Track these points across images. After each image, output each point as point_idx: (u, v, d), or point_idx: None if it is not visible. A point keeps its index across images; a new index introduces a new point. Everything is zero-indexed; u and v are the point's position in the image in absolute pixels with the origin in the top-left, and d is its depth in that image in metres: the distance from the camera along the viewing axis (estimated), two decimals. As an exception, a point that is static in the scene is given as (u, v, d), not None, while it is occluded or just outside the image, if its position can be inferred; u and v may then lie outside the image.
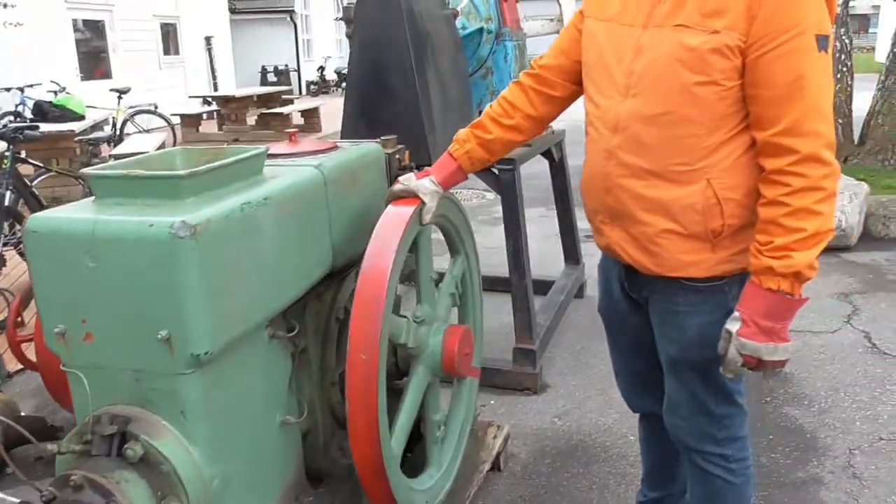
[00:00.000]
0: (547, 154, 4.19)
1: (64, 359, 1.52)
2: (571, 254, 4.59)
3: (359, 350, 1.67)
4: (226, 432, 1.55)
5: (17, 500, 1.39)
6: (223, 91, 14.37)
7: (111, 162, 1.79)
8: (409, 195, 1.89)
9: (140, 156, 1.78)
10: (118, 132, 9.71)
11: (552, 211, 4.71)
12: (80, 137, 5.82)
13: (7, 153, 4.39)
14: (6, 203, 4.27)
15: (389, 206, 1.88)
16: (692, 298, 1.69)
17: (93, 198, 1.55)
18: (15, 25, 8.34)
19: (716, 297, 1.65)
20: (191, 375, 1.45)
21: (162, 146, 8.65)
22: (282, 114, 11.56)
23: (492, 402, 3.33)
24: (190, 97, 13.01)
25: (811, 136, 1.47)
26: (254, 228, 1.54)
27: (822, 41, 1.47)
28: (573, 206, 4.51)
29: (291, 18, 20.53)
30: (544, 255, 5.08)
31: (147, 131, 10.08)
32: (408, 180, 1.91)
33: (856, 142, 7.40)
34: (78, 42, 12.01)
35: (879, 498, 2.57)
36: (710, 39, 1.50)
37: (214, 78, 15.95)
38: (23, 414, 2.87)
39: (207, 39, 15.65)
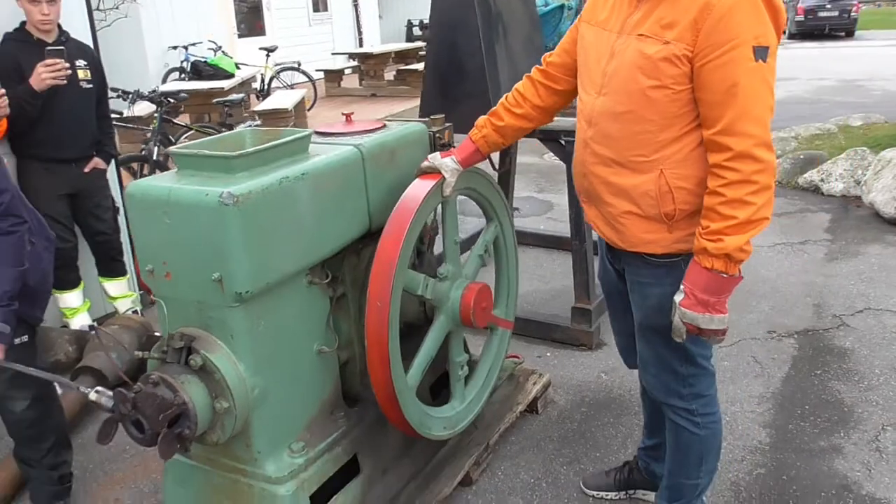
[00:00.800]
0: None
1: (153, 290, 2.03)
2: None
3: (375, 298, 2.07)
4: (266, 353, 2.01)
5: (111, 392, 1.90)
6: (367, 47, 15.06)
7: (202, 140, 2.27)
8: (433, 171, 2.25)
9: (219, 135, 2.24)
10: (266, 87, 10.59)
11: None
12: (217, 100, 6.54)
13: (156, 114, 5.13)
14: (154, 157, 5.02)
15: (415, 180, 2.24)
16: (653, 271, 1.95)
17: (175, 169, 2.03)
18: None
19: (673, 271, 1.90)
20: (237, 308, 1.91)
21: (302, 100, 9.40)
22: (417, 70, 12.04)
23: (548, 353, 3.66)
24: (332, 53, 13.77)
25: (744, 136, 1.69)
26: (291, 198, 1.96)
27: (759, 52, 1.67)
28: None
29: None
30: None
31: (291, 86, 10.89)
32: (434, 158, 2.27)
33: None
34: (236, 2, 13.01)
35: (895, 470, 2.68)
36: (662, 49, 1.74)
37: (360, 34, 16.67)
38: (156, 333, 3.53)
39: (354, -4, 16.34)
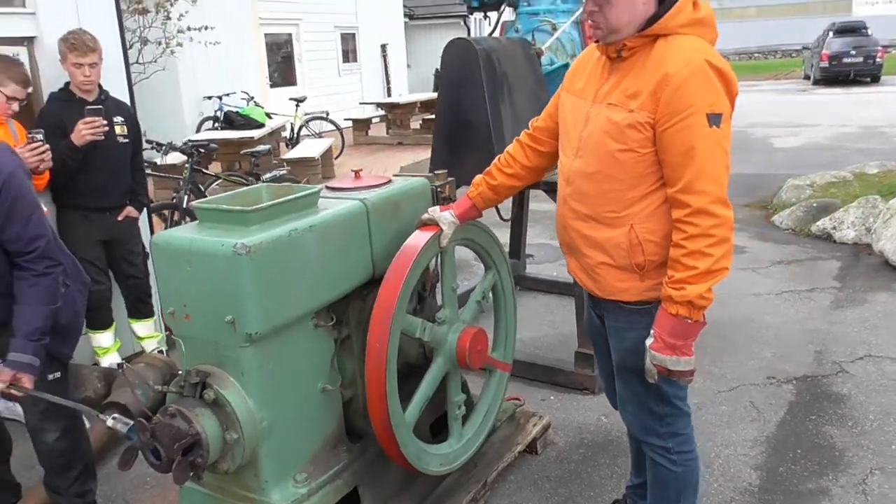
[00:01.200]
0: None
1: (174, 330, 2.25)
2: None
3: (375, 340, 2.27)
4: (274, 390, 2.21)
5: (132, 422, 2.10)
6: (395, 96, 15.51)
7: (220, 195, 2.50)
8: (432, 223, 2.45)
9: (237, 190, 2.48)
10: (295, 136, 10.99)
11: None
12: (245, 150, 6.87)
13: (187, 164, 5.45)
14: (184, 205, 5.31)
15: (415, 232, 2.45)
16: (628, 317, 2.12)
17: (197, 221, 2.26)
18: (214, 44, 9.77)
19: (645, 317, 2.06)
20: (248, 347, 2.11)
21: (329, 149, 9.75)
22: (441, 119, 12.37)
23: (551, 397, 3.80)
24: (360, 103, 14.23)
25: (701, 193, 1.87)
26: (299, 248, 2.18)
27: (713, 119, 1.86)
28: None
29: (465, 23, 21.46)
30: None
31: (319, 135, 11.28)
32: (433, 212, 2.47)
33: None
34: (268, 54, 13.56)
35: (879, 513, 2.77)
36: (628, 116, 1.94)
37: (388, 83, 17.18)
38: (179, 372, 3.75)
39: (383, 47, 16.90)
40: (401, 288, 2.29)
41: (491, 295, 2.89)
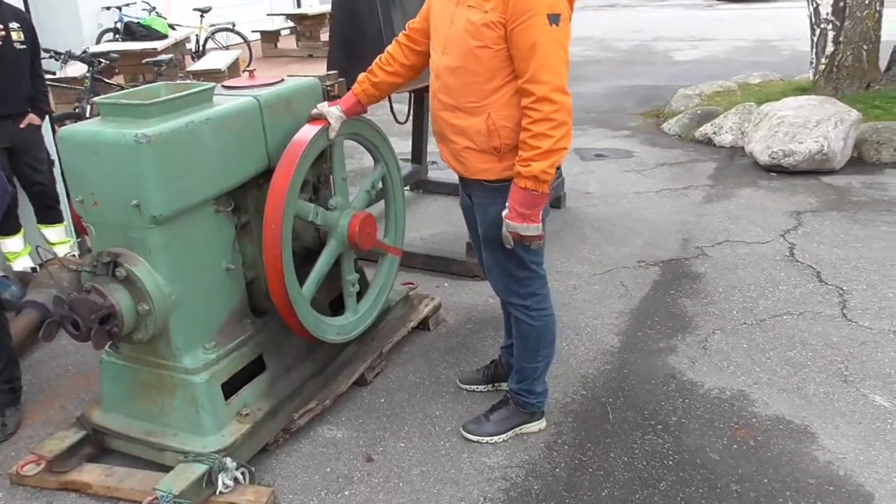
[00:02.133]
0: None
1: (83, 217, 2.47)
2: (551, 168, 5.27)
3: (269, 222, 2.54)
4: (180, 267, 2.47)
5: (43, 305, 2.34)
6: (305, 7, 15.18)
7: (123, 91, 2.68)
8: (321, 118, 2.71)
9: (138, 88, 2.66)
10: (201, 49, 10.77)
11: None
12: (147, 60, 6.82)
13: (88, 74, 5.43)
14: (87, 115, 5.33)
15: (305, 125, 2.70)
16: (489, 194, 2.46)
17: (100, 116, 2.45)
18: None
19: (504, 193, 2.40)
20: (154, 229, 2.36)
21: (236, 61, 9.65)
22: (351, 31, 12.29)
23: (445, 284, 4.19)
24: (268, 14, 13.91)
25: (542, 83, 2.19)
26: (196, 138, 2.40)
27: (552, 18, 2.17)
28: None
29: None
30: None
31: (226, 48, 11.08)
32: (322, 107, 2.72)
33: (882, 68, 7.55)
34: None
35: (713, 363, 3.29)
36: (483, 17, 2.23)
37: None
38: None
39: (292, -44, 16.36)
40: (292, 175, 2.56)
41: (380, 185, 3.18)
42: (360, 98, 2.73)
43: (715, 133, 6.98)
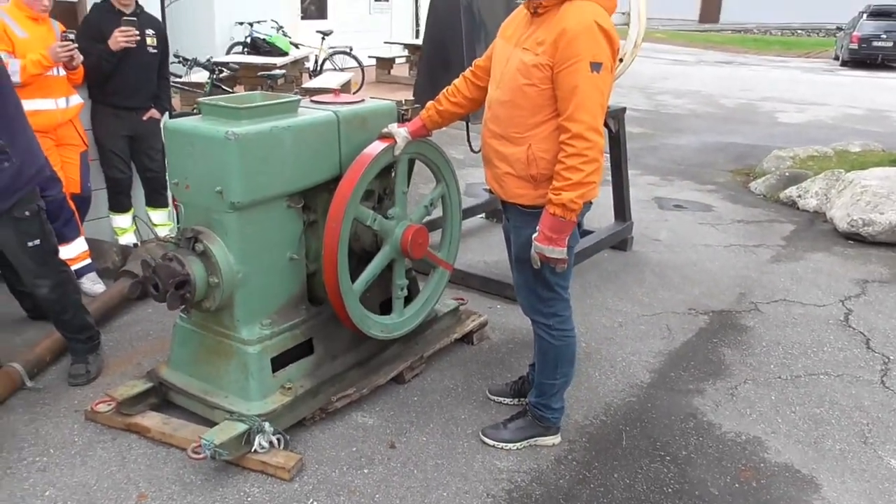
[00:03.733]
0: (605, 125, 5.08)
1: (177, 198, 2.89)
2: (619, 212, 5.46)
3: (331, 220, 2.89)
4: (250, 250, 2.84)
5: (139, 276, 2.77)
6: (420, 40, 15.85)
7: (224, 96, 3.10)
8: (389, 136, 3.05)
9: (238, 94, 3.08)
10: (319, 68, 11.50)
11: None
12: (261, 73, 7.44)
13: (208, 80, 6.04)
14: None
15: (375, 141, 3.05)
16: (524, 218, 2.72)
17: (201, 115, 2.88)
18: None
19: (536, 219, 2.65)
20: (231, 213, 2.75)
21: (348, 83, 10.27)
22: (460, 64, 12.80)
23: (498, 306, 4.43)
24: (385, 42, 14.64)
25: (579, 122, 2.45)
26: (277, 141, 2.79)
27: (594, 66, 2.43)
28: (625, 174, 5.38)
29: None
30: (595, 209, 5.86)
31: (342, 69, 11.78)
32: (391, 127, 3.07)
33: None
34: (303, -15, 13.96)
35: (737, 409, 3.40)
36: (534, 59, 2.52)
37: (418, 25, 17.49)
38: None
39: (415, -11, 17.16)
40: (356, 182, 2.90)
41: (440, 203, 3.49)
42: (426, 123, 3.06)
43: (800, 196, 6.95)
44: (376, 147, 3.01)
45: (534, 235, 2.60)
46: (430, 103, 3.07)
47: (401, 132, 3.03)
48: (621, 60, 4.72)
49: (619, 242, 5.44)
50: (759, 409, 3.39)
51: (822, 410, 3.39)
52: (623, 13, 5.09)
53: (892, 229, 5.68)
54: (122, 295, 4.00)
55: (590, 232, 5.19)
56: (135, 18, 4.24)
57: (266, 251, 2.92)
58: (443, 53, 4.19)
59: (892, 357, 3.92)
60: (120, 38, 4.13)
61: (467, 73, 3.00)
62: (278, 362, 2.98)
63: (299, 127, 2.87)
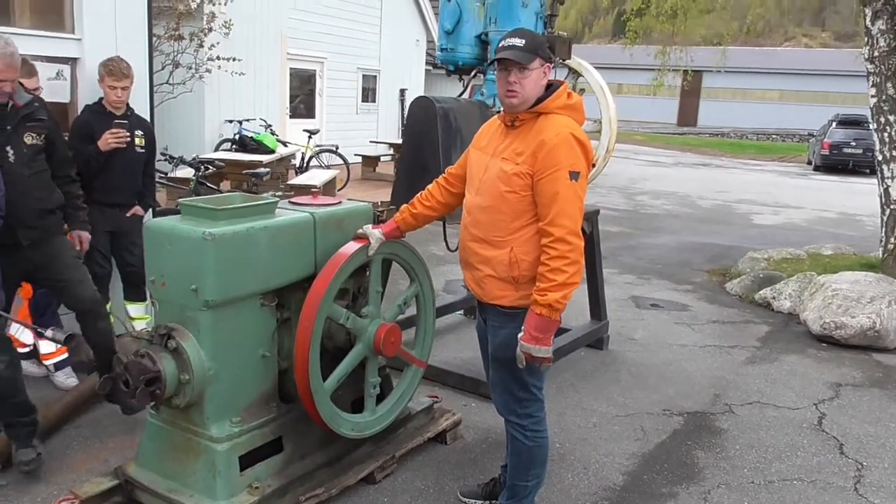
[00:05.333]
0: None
1: (153, 294, 2.94)
2: (595, 311, 5.54)
3: (304, 319, 2.94)
4: (223, 347, 2.87)
5: (67, 333, 2.79)
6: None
7: (204, 197, 3.20)
8: (364, 237, 3.14)
9: (218, 195, 3.18)
10: (305, 165, 11.79)
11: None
12: (246, 171, 7.64)
13: (193, 178, 6.20)
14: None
15: (349, 242, 3.13)
16: (502, 319, 2.79)
17: (180, 215, 2.96)
18: (240, 74, 10.65)
19: (515, 319, 2.73)
20: (205, 311, 2.79)
21: (333, 180, 10.51)
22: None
23: (473, 403, 4.43)
24: (371, 141, 15.10)
25: (560, 226, 2.57)
26: (253, 242, 2.87)
27: (573, 175, 2.57)
28: (599, 273, 5.49)
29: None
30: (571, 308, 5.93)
31: (328, 167, 12.09)
32: (366, 228, 3.16)
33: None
34: (292, 87, 14.48)
35: (710, 515, 3.37)
36: (514, 168, 2.65)
37: (403, 124, 18.07)
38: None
39: (402, 91, 17.84)
40: (330, 281, 2.97)
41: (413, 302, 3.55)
42: (400, 225, 3.16)
43: (774, 298, 7.08)
44: (351, 247, 3.09)
45: (519, 335, 2.66)
46: (404, 206, 3.18)
47: (375, 233, 3.13)
48: (594, 165, 4.91)
49: (596, 341, 5.49)
50: (732, 515, 3.36)
51: (795, 516, 3.37)
52: (595, 121, 5.34)
53: (863, 332, 5.78)
54: (92, 390, 3.97)
55: (567, 330, 5.24)
56: (126, 121, 4.39)
57: (238, 348, 2.95)
58: (420, 159, 4.34)
59: (865, 463, 3.93)
60: (111, 139, 4.27)
61: (441, 179, 3.13)
62: (246, 461, 2.96)
63: (275, 228, 2.96)
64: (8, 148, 3.49)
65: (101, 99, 4.45)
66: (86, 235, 3.95)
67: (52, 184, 3.72)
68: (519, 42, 2.69)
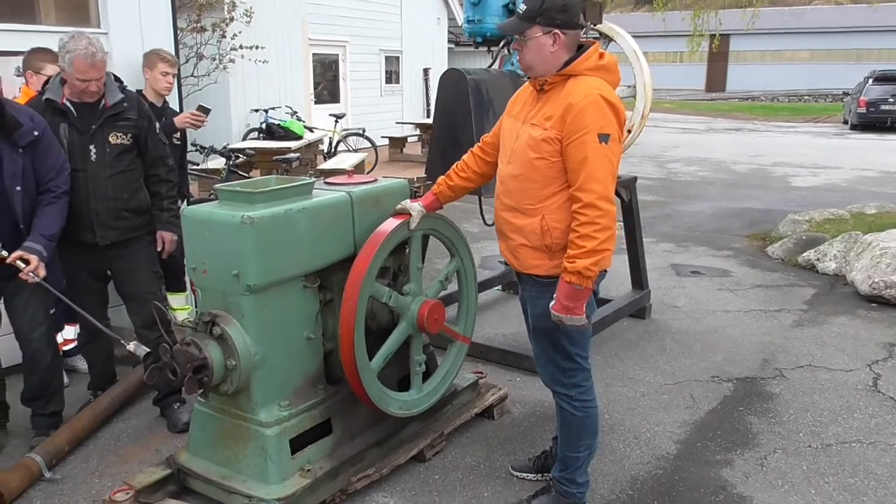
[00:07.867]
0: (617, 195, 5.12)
1: (195, 283, 2.93)
2: (636, 280, 5.44)
3: (347, 298, 2.91)
4: (267, 331, 2.85)
5: (147, 349, 2.76)
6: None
7: (240, 181, 3.18)
8: (404, 212, 3.09)
9: (253, 179, 3.15)
10: (333, 150, 11.78)
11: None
12: (276, 157, 7.64)
13: (225, 167, 6.20)
14: (221, 200, 6.08)
15: (389, 218, 3.09)
16: (539, 288, 2.73)
17: (218, 200, 2.94)
18: (263, 62, 10.65)
19: (552, 288, 2.66)
20: (248, 296, 2.77)
21: (362, 163, 10.48)
22: (472, 142, 13.07)
23: (518, 378, 4.39)
24: (397, 122, 15.02)
25: (590, 191, 2.48)
26: (292, 224, 2.83)
27: (602, 137, 2.48)
28: (640, 242, 5.39)
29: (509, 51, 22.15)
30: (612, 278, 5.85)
31: (355, 150, 12.06)
32: (405, 203, 3.11)
33: None
34: (315, 72, 14.45)
35: (767, 480, 3.30)
36: (543, 133, 2.57)
37: (429, 105, 17.95)
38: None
39: (425, 71, 17.72)
40: (371, 259, 2.93)
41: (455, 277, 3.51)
42: (439, 196, 3.10)
43: (818, 259, 6.90)
44: (390, 224, 3.05)
45: (551, 304, 2.60)
46: (441, 178, 3.13)
47: (415, 207, 3.08)
48: (629, 132, 4.80)
49: (638, 310, 5.41)
50: (791, 480, 3.28)
51: (857, 480, 3.28)
52: (629, 86, 5.20)
53: (915, 289, 5.61)
54: (140, 381, 4.00)
55: (608, 300, 5.16)
56: (209, 108, 4.47)
57: (283, 332, 2.93)
58: (453, 132, 4.28)
59: (925, 421, 3.81)
60: (189, 118, 4.38)
61: (475, 148, 3.06)
62: (297, 444, 2.95)
63: (313, 208, 2.93)
64: (91, 147, 3.48)
65: (139, 91, 4.44)
66: (168, 236, 3.75)
67: (138, 185, 3.64)
68: (522, 8, 2.60)
